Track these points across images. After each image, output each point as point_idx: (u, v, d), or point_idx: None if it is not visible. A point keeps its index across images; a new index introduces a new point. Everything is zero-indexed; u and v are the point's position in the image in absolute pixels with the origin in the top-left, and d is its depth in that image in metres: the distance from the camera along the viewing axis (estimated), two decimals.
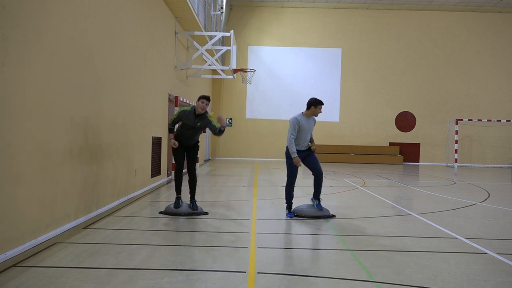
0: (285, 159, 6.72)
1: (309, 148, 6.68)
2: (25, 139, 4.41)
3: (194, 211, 6.56)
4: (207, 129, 6.79)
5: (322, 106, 6.54)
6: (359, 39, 21.96)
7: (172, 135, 6.55)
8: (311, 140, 6.73)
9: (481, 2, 20.55)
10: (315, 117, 6.69)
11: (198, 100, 6.33)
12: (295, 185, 6.73)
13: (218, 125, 6.30)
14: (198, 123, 6.37)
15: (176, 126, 6.66)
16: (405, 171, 16.98)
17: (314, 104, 6.49)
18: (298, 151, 6.53)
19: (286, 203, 6.73)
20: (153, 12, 9.72)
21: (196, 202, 6.74)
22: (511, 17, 21.86)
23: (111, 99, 6.94)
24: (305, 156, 6.60)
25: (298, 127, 6.42)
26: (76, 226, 5.58)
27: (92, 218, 6.13)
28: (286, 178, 6.71)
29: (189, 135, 6.53)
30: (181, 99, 12.17)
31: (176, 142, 6.48)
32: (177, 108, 11.50)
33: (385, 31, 21.97)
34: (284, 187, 6.77)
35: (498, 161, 21.61)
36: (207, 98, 6.33)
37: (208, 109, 6.75)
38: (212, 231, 5.65)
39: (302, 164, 6.50)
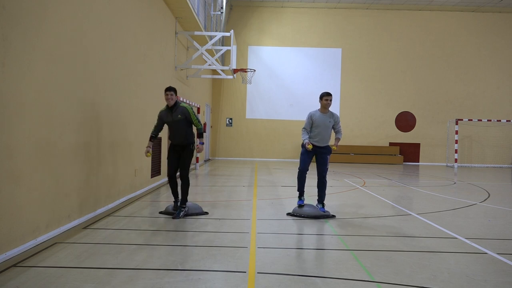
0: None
1: (326, 147, 6.74)
2: (25, 139, 4.41)
3: (174, 218, 6.25)
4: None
5: (329, 97, 6.69)
6: (359, 39, 21.95)
7: (150, 144, 6.56)
8: (336, 140, 6.80)
9: (481, 2, 20.55)
10: (334, 113, 6.81)
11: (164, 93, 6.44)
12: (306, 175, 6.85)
13: (199, 126, 6.47)
14: (179, 115, 6.39)
15: (168, 130, 6.64)
16: (405, 171, 16.98)
17: (320, 98, 6.76)
18: (315, 146, 6.69)
19: (297, 190, 6.88)
20: (153, 12, 9.72)
21: (190, 203, 6.59)
22: (511, 17, 21.86)
23: (111, 99, 6.94)
24: (319, 153, 6.73)
25: (312, 121, 6.68)
26: (76, 226, 5.58)
27: (92, 218, 6.13)
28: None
29: (176, 131, 6.48)
30: (181, 99, 12.16)
31: (150, 150, 6.51)
32: None
33: (385, 31, 21.97)
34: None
35: (498, 161, 21.60)
36: (169, 89, 6.37)
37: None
38: (212, 231, 5.64)
39: (311, 147, 6.55)
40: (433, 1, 20.60)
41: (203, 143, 6.53)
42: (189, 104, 6.47)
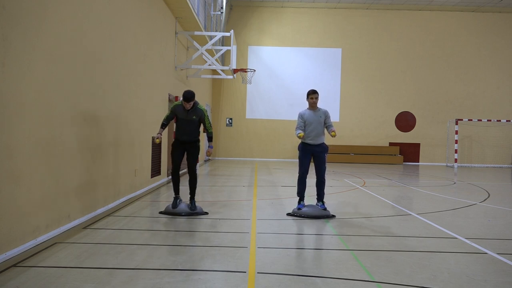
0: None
1: (321, 145, 6.77)
2: (25, 139, 4.40)
3: (193, 211, 6.56)
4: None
5: (314, 95, 6.79)
6: (359, 39, 21.95)
7: (161, 130, 6.59)
8: (331, 130, 6.73)
9: (481, 2, 20.55)
10: (324, 109, 6.87)
11: (182, 100, 6.43)
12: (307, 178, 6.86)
13: (210, 130, 6.68)
14: (194, 116, 6.54)
15: (175, 125, 6.69)
16: (405, 171, 16.98)
17: (306, 96, 6.87)
18: (309, 145, 6.75)
19: (297, 195, 6.91)
20: (153, 12, 9.72)
21: (196, 203, 6.73)
22: (511, 17, 21.86)
23: (111, 99, 6.94)
24: (316, 154, 6.75)
25: (303, 120, 6.76)
26: (76, 226, 5.58)
27: (92, 218, 6.13)
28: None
29: (186, 129, 6.59)
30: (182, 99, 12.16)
31: (160, 136, 6.51)
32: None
33: (385, 31, 21.97)
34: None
35: (498, 161, 21.60)
36: (186, 99, 6.34)
37: (208, 108, 6.87)
38: (212, 231, 5.65)
39: (302, 135, 6.56)
40: (433, 1, 20.61)
41: (212, 147, 6.75)
42: (206, 108, 6.58)
